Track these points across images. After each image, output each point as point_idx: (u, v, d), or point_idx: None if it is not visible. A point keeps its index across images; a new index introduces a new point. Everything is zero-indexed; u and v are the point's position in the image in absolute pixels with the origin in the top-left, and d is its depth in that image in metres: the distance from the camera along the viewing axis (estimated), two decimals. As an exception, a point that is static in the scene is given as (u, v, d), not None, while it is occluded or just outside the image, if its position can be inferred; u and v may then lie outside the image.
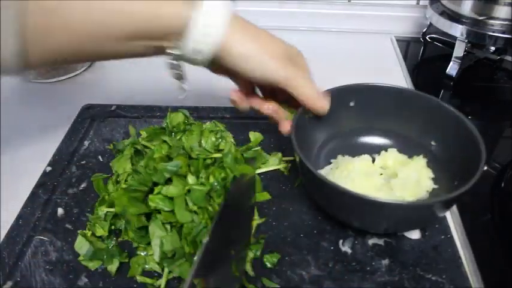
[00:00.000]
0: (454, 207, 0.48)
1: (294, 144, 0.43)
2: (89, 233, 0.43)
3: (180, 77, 0.45)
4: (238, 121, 0.60)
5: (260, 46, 0.41)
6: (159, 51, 0.42)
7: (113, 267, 0.41)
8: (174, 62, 0.42)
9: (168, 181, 0.43)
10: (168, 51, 0.41)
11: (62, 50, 0.39)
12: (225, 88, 0.73)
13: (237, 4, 0.83)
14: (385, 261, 0.42)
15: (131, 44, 0.40)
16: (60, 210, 0.47)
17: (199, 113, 0.62)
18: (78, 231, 0.43)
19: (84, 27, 0.38)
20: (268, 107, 0.47)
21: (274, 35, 0.44)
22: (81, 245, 0.42)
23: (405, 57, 0.81)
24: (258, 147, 0.53)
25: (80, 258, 0.42)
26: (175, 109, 0.63)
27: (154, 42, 0.40)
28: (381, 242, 0.44)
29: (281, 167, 0.52)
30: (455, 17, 0.72)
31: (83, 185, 0.51)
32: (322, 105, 0.45)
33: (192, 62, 0.42)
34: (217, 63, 0.42)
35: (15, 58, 0.36)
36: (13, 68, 0.37)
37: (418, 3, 0.87)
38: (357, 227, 0.44)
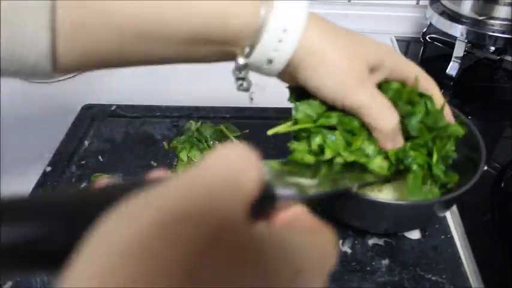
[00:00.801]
0: (454, 207, 0.48)
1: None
2: None
3: (246, 89, 0.38)
4: (238, 121, 0.60)
5: (339, 58, 0.34)
6: (223, 57, 0.35)
7: None
8: (241, 73, 0.36)
9: None
10: (235, 59, 0.35)
11: (99, 50, 0.32)
12: (225, 88, 0.73)
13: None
14: (385, 261, 0.42)
15: (190, 48, 0.34)
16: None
17: (199, 113, 0.62)
18: None
19: (133, 25, 0.31)
20: None
21: (359, 35, 0.37)
22: None
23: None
24: None
25: None
26: (177, 109, 0.62)
27: (218, 47, 0.34)
28: (381, 242, 0.44)
29: None
30: (455, 17, 0.72)
31: (83, 185, 0.51)
32: (393, 145, 0.37)
33: (261, 71, 0.36)
34: (289, 75, 0.36)
35: (44, 58, 0.30)
36: (40, 70, 0.31)
37: (418, 3, 0.87)
38: (357, 227, 0.44)
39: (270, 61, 0.34)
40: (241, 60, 0.34)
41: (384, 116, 0.36)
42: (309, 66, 0.34)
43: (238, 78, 0.36)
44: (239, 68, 0.35)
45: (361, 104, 0.35)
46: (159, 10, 0.31)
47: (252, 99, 0.41)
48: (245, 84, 0.37)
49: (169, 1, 0.31)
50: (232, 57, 0.35)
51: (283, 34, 0.33)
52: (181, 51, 0.34)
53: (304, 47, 0.34)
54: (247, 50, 0.34)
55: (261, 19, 0.32)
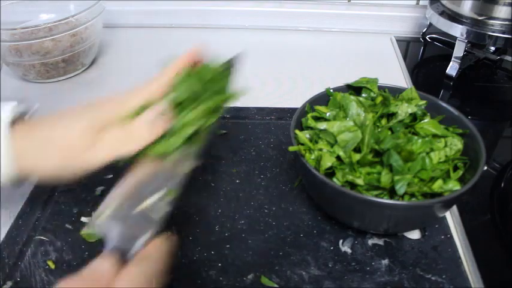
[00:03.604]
0: (454, 207, 0.48)
1: (294, 143, 0.43)
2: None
3: None
4: (238, 121, 0.60)
5: (53, 152, 0.37)
6: None
7: None
8: None
9: None
10: None
11: None
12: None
13: (238, 4, 0.84)
14: (385, 261, 0.42)
15: None
16: (60, 210, 0.47)
17: (199, 113, 0.62)
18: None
19: None
20: None
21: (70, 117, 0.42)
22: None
23: (405, 57, 0.81)
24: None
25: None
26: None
27: None
28: (380, 242, 0.44)
29: None
30: (455, 17, 0.72)
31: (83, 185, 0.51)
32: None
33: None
34: None
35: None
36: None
37: (418, 3, 0.87)
38: (357, 227, 0.44)
39: None
40: None
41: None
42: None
43: None
44: None
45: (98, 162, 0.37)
46: None
47: None
48: None
49: None
50: None
51: None
52: None
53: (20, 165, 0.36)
54: None
55: None
